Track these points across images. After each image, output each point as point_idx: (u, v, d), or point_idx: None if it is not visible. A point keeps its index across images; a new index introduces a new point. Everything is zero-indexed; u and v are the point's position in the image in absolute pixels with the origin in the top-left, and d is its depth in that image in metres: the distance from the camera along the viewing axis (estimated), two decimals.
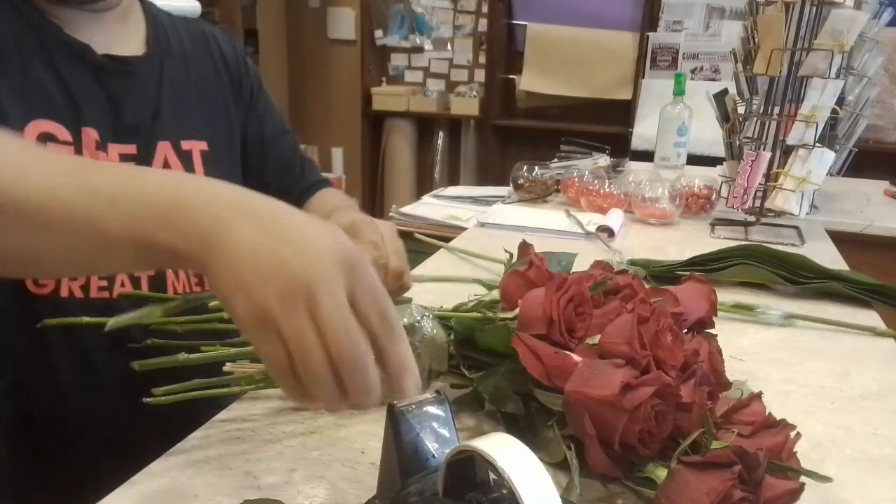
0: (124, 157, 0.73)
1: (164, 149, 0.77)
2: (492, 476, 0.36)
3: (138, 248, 0.41)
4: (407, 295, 0.75)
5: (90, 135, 0.71)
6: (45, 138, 0.68)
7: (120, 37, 0.76)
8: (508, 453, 0.34)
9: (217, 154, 0.83)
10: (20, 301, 0.69)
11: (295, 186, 0.95)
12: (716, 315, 0.71)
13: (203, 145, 0.81)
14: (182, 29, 0.85)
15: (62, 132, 0.69)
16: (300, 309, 0.36)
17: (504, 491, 0.34)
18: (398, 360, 0.39)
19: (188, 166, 0.79)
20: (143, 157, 0.75)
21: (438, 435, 0.41)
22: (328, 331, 0.36)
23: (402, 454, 0.41)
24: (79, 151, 0.70)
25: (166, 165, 0.77)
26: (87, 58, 0.72)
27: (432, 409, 0.42)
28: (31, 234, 0.42)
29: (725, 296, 0.98)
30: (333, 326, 0.36)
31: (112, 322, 0.55)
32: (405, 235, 0.78)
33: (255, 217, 0.39)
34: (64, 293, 0.71)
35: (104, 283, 0.72)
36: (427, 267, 1.10)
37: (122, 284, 0.73)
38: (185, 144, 0.79)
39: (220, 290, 0.38)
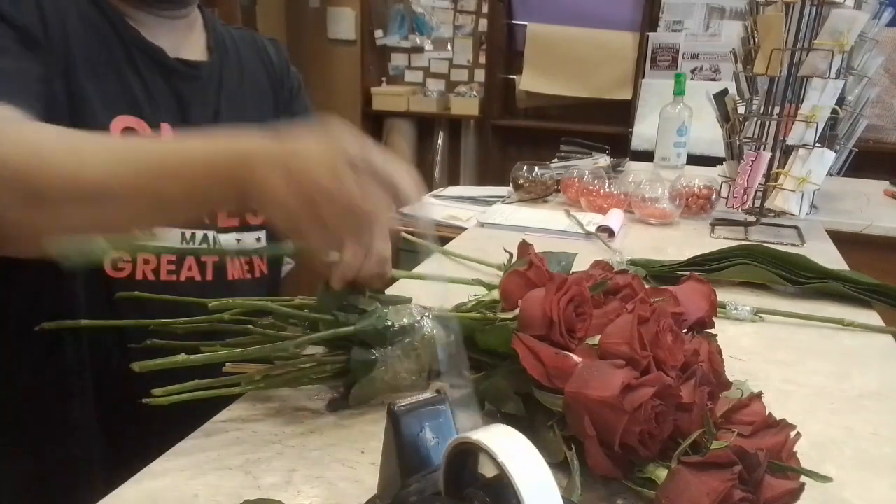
0: None
1: None
2: (492, 470, 0.36)
3: (190, 202, 0.54)
4: (407, 295, 0.75)
5: (167, 129, 0.77)
6: (128, 132, 0.74)
7: (186, 42, 0.83)
8: (507, 444, 0.35)
9: None
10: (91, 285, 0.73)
11: None
12: (716, 315, 0.71)
13: None
14: (237, 37, 0.92)
15: (143, 127, 0.76)
16: (325, 205, 0.50)
17: (504, 484, 0.34)
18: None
19: None
20: None
21: (439, 434, 0.41)
22: (352, 205, 0.50)
23: (402, 454, 0.42)
24: None
25: None
26: (162, 61, 0.79)
27: (432, 409, 0.42)
28: (93, 207, 0.53)
29: (725, 296, 0.98)
30: (355, 200, 0.50)
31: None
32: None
33: (278, 160, 0.51)
34: (138, 276, 0.76)
35: (172, 267, 0.78)
36: (426, 268, 1.10)
37: (189, 268, 0.79)
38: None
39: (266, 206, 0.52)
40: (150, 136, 0.74)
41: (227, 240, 0.85)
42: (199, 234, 0.81)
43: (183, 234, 0.80)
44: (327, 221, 0.50)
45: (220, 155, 0.53)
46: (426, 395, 0.43)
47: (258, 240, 0.88)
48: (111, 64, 0.75)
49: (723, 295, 0.76)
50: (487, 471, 0.37)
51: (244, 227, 0.86)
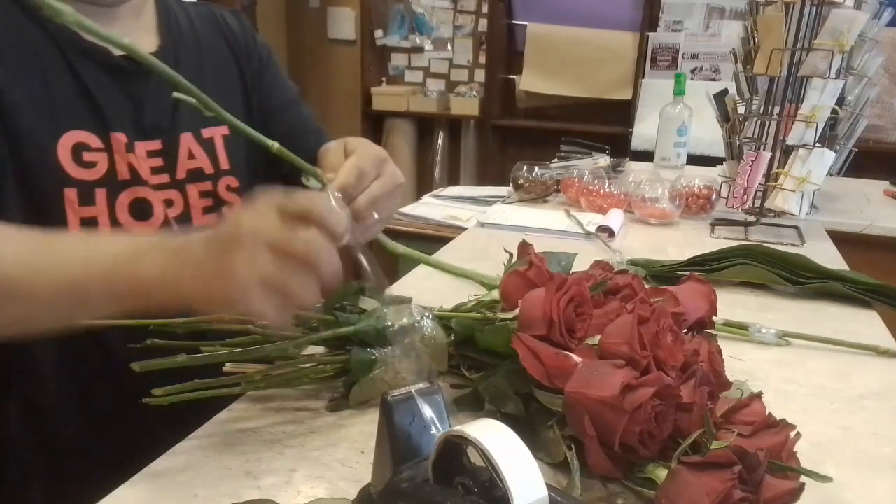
0: (151, 153, 0.75)
1: (186, 140, 0.78)
2: (481, 461, 0.36)
3: (110, 296, 0.54)
4: (407, 294, 0.75)
5: (119, 139, 0.72)
6: (80, 148, 0.70)
7: (134, 32, 0.77)
8: (495, 437, 0.36)
9: (238, 136, 0.82)
10: None
11: (310, 157, 0.92)
12: (716, 315, 0.71)
13: (224, 130, 0.82)
14: (193, 14, 0.86)
15: (94, 140, 0.71)
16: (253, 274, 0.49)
17: (492, 475, 0.35)
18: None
19: (211, 153, 0.80)
20: (169, 151, 0.77)
21: (431, 423, 0.42)
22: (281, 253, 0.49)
23: (394, 442, 0.43)
24: (111, 155, 0.72)
25: (191, 156, 0.79)
26: (106, 61, 0.72)
27: (425, 399, 0.43)
28: (10, 304, 0.53)
29: (725, 296, 0.98)
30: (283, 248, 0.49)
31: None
32: (405, 235, 0.78)
33: (192, 268, 0.52)
34: None
35: None
36: (426, 268, 1.10)
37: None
38: (206, 132, 0.80)
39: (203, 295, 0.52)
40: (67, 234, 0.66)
41: None
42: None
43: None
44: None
45: (141, 244, 0.54)
46: (420, 385, 0.43)
47: None
48: (47, 76, 0.68)
49: (723, 295, 0.76)
50: (477, 460, 0.38)
51: None
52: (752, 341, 0.88)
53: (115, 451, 0.66)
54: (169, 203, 0.76)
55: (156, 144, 0.76)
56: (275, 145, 0.61)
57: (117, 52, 0.72)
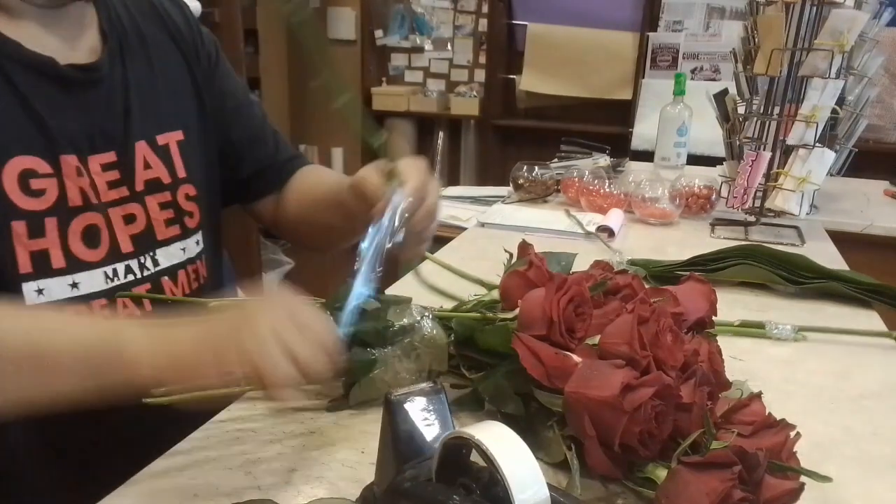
0: (105, 166, 0.71)
1: (141, 149, 0.74)
2: (483, 462, 0.37)
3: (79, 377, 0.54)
4: (407, 295, 0.75)
5: (69, 162, 0.67)
6: (27, 175, 0.64)
7: (79, 35, 0.71)
8: (497, 439, 0.36)
9: (193, 140, 0.80)
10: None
11: (271, 162, 0.91)
12: (716, 315, 0.71)
13: (178, 135, 0.78)
14: (130, 5, 0.79)
15: (42, 165, 0.65)
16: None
17: (495, 476, 0.35)
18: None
19: (167, 161, 0.76)
20: (124, 162, 0.72)
21: (434, 423, 0.42)
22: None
23: (397, 441, 0.43)
24: (61, 181, 0.66)
25: (147, 165, 0.74)
26: (53, 73, 0.67)
27: (429, 398, 0.43)
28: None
29: (725, 296, 0.98)
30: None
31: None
32: None
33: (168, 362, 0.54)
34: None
35: (107, 312, 0.70)
36: (427, 268, 1.10)
37: (125, 306, 0.72)
38: (161, 139, 0.76)
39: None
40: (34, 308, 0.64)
41: (172, 252, 0.77)
42: (122, 266, 0.72)
43: (105, 274, 0.70)
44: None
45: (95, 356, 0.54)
46: (423, 385, 0.44)
47: (197, 243, 0.80)
48: None
49: (723, 295, 0.76)
50: (480, 461, 0.38)
51: (186, 234, 0.78)
52: (763, 339, 0.88)
53: (115, 452, 0.66)
54: (130, 218, 0.72)
55: (110, 157, 0.71)
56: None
57: (63, 62, 0.68)
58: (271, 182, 0.91)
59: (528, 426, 0.60)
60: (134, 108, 0.74)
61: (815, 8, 1.26)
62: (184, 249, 0.78)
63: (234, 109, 0.88)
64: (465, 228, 1.51)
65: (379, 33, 3.92)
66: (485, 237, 1.34)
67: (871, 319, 0.96)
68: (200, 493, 0.54)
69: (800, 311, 0.97)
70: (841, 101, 1.44)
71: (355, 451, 0.60)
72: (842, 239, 1.45)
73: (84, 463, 0.75)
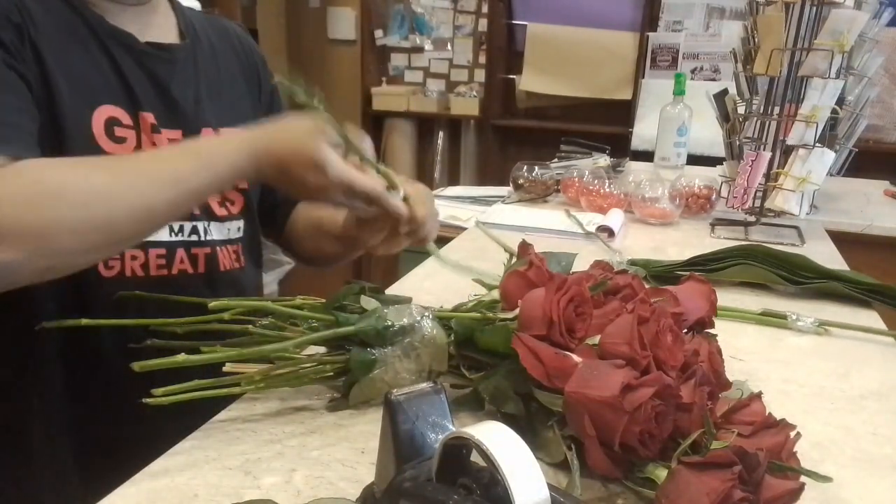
0: (172, 142, 0.77)
1: (206, 134, 0.80)
2: (484, 462, 0.37)
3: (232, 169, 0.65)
4: (407, 294, 0.75)
5: (147, 119, 0.75)
6: (112, 123, 0.72)
7: (153, 25, 0.79)
8: (498, 439, 0.36)
9: None
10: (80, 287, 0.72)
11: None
12: (716, 315, 0.71)
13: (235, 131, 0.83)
14: (206, 23, 0.88)
15: (125, 117, 0.73)
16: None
17: (496, 476, 0.35)
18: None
19: None
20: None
21: (434, 423, 0.42)
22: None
23: (398, 441, 0.43)
24: (139, 134, 0.74)
25: None
26: (133, 45, 0.75)
27: (429, 399, 0.43)
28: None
29: (725, 296, 0.98)
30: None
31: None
32: None
33: (280, 145, 0.65)
34: (128, 273, 0.75)
35: (163, 262, 0.77)
36: (426, 267, 1.10)
37: (181, 261, 0.79)
38: (224, 131, 0.82)
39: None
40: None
41: (221, 228, 0.83)
42: (188, 225, 0.79)
43: (171, 227, 0.78)
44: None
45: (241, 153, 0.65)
46: (423, 385, 0.43)
47: (238, 229, 0.86)
48: (83, 54, 0.72)
49: (723, 295, 0.76)
50: (481, 461, 0.38)
51: (229, 217, 0.85)
52: (764, 338, 0.88)
53: (115, 451, 0.66)
54: None
55: (177, 134, 0.78)
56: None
57: (143, 39, 0.76)
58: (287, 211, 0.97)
59: (528, 426, 0.60)
60: (204, 99, 0.82)
61: (815, 8, 1.26)
62: (228, 230, 0.85)
63: None
64: (465, 228, 1.51)
65: (379, 33, 3.92)
66: (485, 237, 1.34)
67: (871, 319, 0.96)
68: (200, 493, 0.54)
69: (800, 311, 0.96)
70: (841, 101, 1.44)
71: (355, 451, 0.60)
72: (842, 239, 1.45)
73: (84, 463, 0.75)
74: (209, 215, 0.82)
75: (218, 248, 0.83)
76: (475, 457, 0.38)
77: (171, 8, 0.84)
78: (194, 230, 0.80)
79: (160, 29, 0.80)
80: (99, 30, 0.73)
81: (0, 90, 0.63)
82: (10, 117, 0.63)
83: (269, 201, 0.93)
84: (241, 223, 0.87)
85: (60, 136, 0.68)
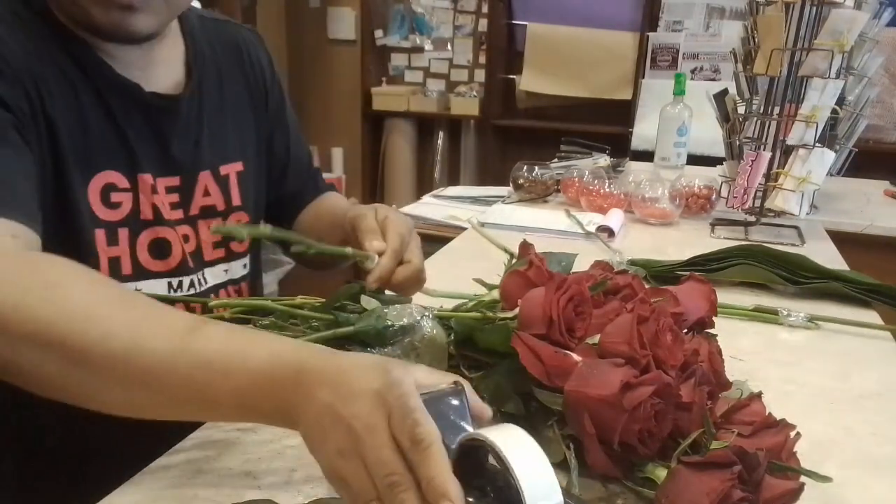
0: (169, 189, 0.76)
1: (204, 178, 0.80)
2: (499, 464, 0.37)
3: (239, 411, 0.47)
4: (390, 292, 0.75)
5: (146, 180, 0.73)
6: (109, 189, 0.71)
7: (163, 64, 0.76)
8: (514, 443, 0.36)
9: (250, 171, 0.86)
10: None
11: (308, 195, 0.98)
12: (716, 315, 0.71)
13: (238, 166, 0.84)
14: (215, 39, 0.84)
15: (122, 180, 0.72)
16: (353, 458, 0.40)
17: (509, 479, 0.36)
18: (428, 478, 0.38)
19: (225, 189, 0.82)
20: (186, 188, 0.78)
21: (454, 425, 0.42)
22: (374, 475, 0.39)
23: None
24: (136, 196, 0.73)
25: (206, 193, 0.80)
26: (138, 97, 0.73)
27: (449, 400, 0.43)
28: (140, 392, 0.48)
29: (725, 296, 0.98)
30: (376, 471, 0.39)
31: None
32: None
33: (326, 382, 0.42)
34: None
35: None
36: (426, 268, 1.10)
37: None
38: (224, 169, 0.82)
39: (309, 448, 0.43)
40: (205, 320, 0.52)
41: (216, 272, 0.82)
42: (186, 280, 0.78)
43: (170, 284, 0.76)
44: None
45: (277, 368, 0.45)
46: (443, 385, 0.43)
47: (244, 266, 0.86)
48: (82, 111, 0.68)
49: (723, 295, 0.76)
50: (494, 462, 0.38)
51: (231, 257, 0.84)
52: (765, 337, 0.88)
53: (114, 450, 0.66)
54: (185, 238, 0.78)
55: (175, 181, 0.77)
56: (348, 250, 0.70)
57: (148, 88, 0.73)
58: (297, 209, 0.98)
59: (528, 425, 0.59)
60: (204, 140, 0.80)
61: (815, 8, 1.26)
62: (226, 271, 0.83)
63: (294, 148, 0.95)
64: (465, 228, 1.51)
65: (379, 33, 3.92)
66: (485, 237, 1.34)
67: (871, 319, 0.96)
68: (200, 493, 0.54)
69: (800, 311, 0.96)
70: (841, 101, 1.44)
71: None
72: (842, 239, 1.45)
73: (84, 462, 0.75)
74: (201, 263, 0.80)
75: (220, 292, 0.82)
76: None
77: (181, 31, 0.80)
78: (192, 284, 0.78)
79: (167, 67, 0.77)
80: (103, 86, 0.70)
81: (5, 154, 0.60)
82: (12, 179, 0.59)
83: (276, 196, 0.93)
84: (246, 260, 0.86)
85: (62, 202, 0.67)
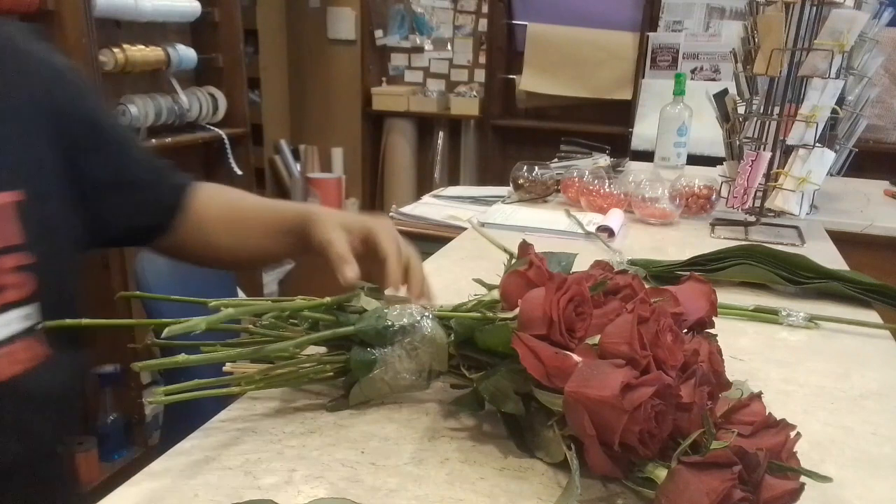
0: None
1: None
2: None
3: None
4: (406, 295, 0.75)
5: None
6: None
7: None
8: None
9: (40, 201, 0.66)
10: None
11: (166, 195, 0.81)
12: (716, 315, 0.71)
13: (15, 195, 0.64)
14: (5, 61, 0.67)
15: None
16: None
17: None
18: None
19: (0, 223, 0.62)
20: None
21: None
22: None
23: None
24: None
25: None
26: None
27: None
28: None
29: (725, 296, 0.98)
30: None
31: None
32: (405, 235, 0.79)
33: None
34: None
35: None
36: (426, 268, 1.10)
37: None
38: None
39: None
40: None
41: None
42: None
43: None
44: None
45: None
46: None
47: (26, 317, 0.64)
48: None
49: (723, 295, 0.76)
50: None
51: (4, 308, 0.62)
52: (765, 337, 0.88)
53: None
54: None
55: None
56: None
57: None
58: (163, 221, 0.81)
59: (528, 426, 0.60)
60: None
61: (815, 8, 1.26)
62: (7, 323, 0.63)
63: (131, 176, 0.78)
64: (465, 228, 1.51)
65: (379, 33, 3.92)
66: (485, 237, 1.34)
67: (870, 319, 0.96)
68: (200, 493, 0.54)
69: (800, 311, 0.96)
70: (841, 101, 1.44)
71: (355, 451, 0.60)
72: (842, 239, 1.45)
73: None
74: None
75: None
76: None
77: None
78: None
79: None
80: None
81: None
82: None
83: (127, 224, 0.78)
84: (28, 309, 0.64)
85: None
